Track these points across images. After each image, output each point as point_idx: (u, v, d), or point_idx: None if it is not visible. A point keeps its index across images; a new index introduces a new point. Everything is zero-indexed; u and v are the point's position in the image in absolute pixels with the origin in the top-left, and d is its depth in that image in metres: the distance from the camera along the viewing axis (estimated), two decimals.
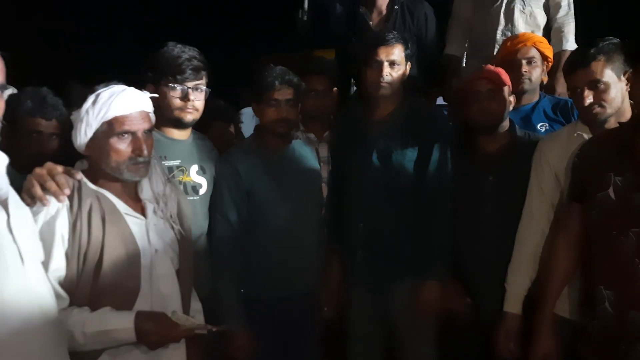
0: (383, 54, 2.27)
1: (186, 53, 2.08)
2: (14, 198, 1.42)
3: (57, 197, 1.56)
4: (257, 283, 2.24)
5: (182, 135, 2.18)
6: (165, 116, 2.10)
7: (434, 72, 3.04)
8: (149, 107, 1.73)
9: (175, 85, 2.05)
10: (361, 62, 2.33)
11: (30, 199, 1.54)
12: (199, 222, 2.15)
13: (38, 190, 1.55)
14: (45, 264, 1.50)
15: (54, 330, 1.40)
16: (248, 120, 2.87)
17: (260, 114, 2.28)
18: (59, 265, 1.55)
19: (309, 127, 2.65)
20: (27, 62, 1.42)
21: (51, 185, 1.56)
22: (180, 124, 2.13)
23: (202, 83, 2.12)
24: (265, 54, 3.14)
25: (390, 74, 2.27)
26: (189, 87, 2.07)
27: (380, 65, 2.27)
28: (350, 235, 2.38)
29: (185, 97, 2.07)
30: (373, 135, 2.33)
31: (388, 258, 2.31)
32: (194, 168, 2.18)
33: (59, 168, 1.62)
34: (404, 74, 2.33)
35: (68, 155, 1.75)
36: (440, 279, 2.25)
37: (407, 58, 2.33)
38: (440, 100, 3.16)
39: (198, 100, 2.11)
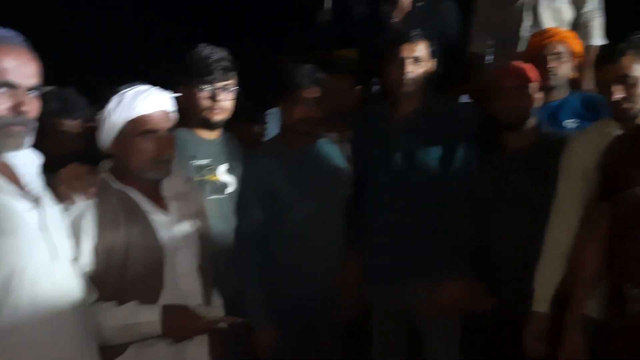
0: (406, 51, 2.25)
1: (215, 54, 2.11)
2: (47, 196, 1.47)
3: (83, 196, 1.61)
4: (282, 281, 2.25)
5: (211, 135, 2.21)
6: (194, 116, 2.14)
7: (458, 69, 3.01)
8: (171, 107, 1.77)
9: (204, 86, 2.08)
10: (384, 60, 2.31)
11: (57, 198, 1.59)
12: (227, 221, 2.19)
13: (65, 189, 1.61)
14: (74, 261, 1.55)
15: (85, 325, 1.46)
16: (273, 121, 2.89)
17: (287, 113, 2.29)
18: (86, 261, 1.59)
19: (330, 127, 2.65)
20: (53, 62, 1.45)
21: (77, 184, 1.62)
22: (209, 124, 2.17)
23: (230, 83, 2.15)
24: (288, 53, 3.14)
25: (413, 71, 2.25)
26: (218, 88, 2.10)
27: (402, 62, 2.24)
28: (371, 234, 2.37)
29: (213, 98, 2.11)
30: (396, 134, 2.31)
31: (410, 257, 2.28)
32: (223, 167, 2.21)
33: (84, 167, 1.68)
34: (428, 71, 2.30)
35: (94, 155, 1.79)
36: (463, 278, 2.23)
37: (432, 55, 2.31)
38: (465, 98, 3.12)
39: (226, 100, 2.14)
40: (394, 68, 2.27)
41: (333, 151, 2.45)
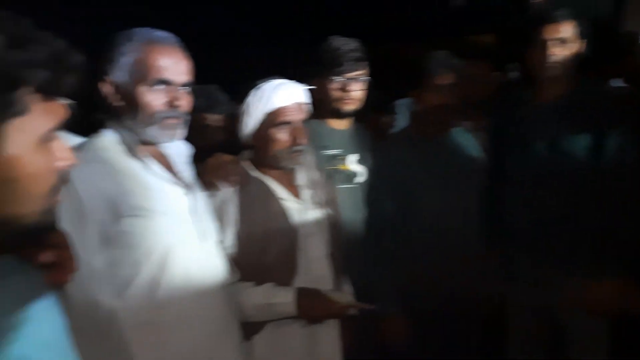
0: (550, 32, 2.08)
1: (346, 45, 2.15)
2: (195, 184, 1.63)
3: (226, 183, 1.74)
4: (413, 272, 2.22)
5: (342, 125, 2.25)
6: (326, 107, 2.19)
7: (610, 50, 2.75)
8: (305, 99, 1.83)
9: (335, 78, 2.12)
10: (525, 43, 2.16)
11: (205, 185, 1.73)
12: (356, 210, 2.22)
13: (211, 177, 1.75)
14: (219, 243, 1.68)
15: (228, 302, 1.59)
16: (403, 111, 2.86)
17: (420, 101, 2.25)
18: (230, 244, 1.72)
19: (467, 115, 2.56)
20: (199, 61, 1.56)
21: (221, 173, 1.76)
22: (340, 115, 2.21)
23: (361, 74, 2.17)
24: (422, 40, 3.08)
25: (558, 54, 2.08)
26: (349, 79, 2.12)
27: (546, 44, 2.08)
28: (512, 229, 2.25)
29: (344, 89, 2.14)
30: (540, 121, 2.16)
31: (556, 253, 2.14)
32: (353, 157, 2.24)
33: (228, 157, 1.81)
34: (575, 53, 2.11)
35: (235, 146, 1.90)
36: (619, 279, 2.04)
37: (580, 35, 2.11)
38: (618, 82, 2.85)
39: (357, 90, 2.17)
40: (536, 51, 2.11)
41: (467, 140, 2.36)
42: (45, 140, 0.79)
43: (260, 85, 1.79)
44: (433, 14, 3.51)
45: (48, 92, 0.78)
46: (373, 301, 2.05)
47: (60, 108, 0.81)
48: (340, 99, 2.16)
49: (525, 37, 2.15)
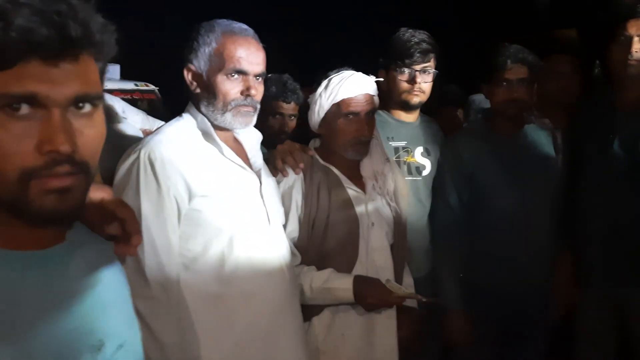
0: (633, 27, 1.98)
1: (415, 37, 2.15)
2: (265, 169, 1.70)
3: (294, 169, 1.81)
4: (480, 269, 2.20)
5: (409, 117, 2.26)
6: (393, 99, 2.21)
7: None
8: (373, 90, 1.86)
9: (403, 69, 2.13)
10: (607, 38, 2.07)
11: (274, 170, 1.81)
12: (421, 202, 2.22)
13: (280, 163, 1.83)
14: (284, 227, 1.75)
15: (291, 282, 1.65)
16: (476, 106, 2.82)
17: (490, 95, 2.21)
18: (293, 228, 1.79)
19: (547, 112, 2.48)
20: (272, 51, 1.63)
21: (290, 160, 1.83)
22: (407, 106, 2.22)
23: (429, 66, 2.17)
24: (504, 35, 3.01)
25: None
26: (417, 70, 2.13)
27: (629, 40, 1.99)
28: (587, 231, 2.18)
29: (412, 80, 2.15)
30: (619, 121, 2.07)
31: (629, 258, 2.06)
32: (419, 150, 2.24)
33: (297, 145, 1.88)
34: None
35: (305, 134, 1.97)
36: None
37: None
38: None
39: (425, 82, 2.17)
40: (619, 47, 2.02)
41: (542, 138, 2.29)
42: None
43: (331, 76, 1.84)
44: (517, 5, 3.40)
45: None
46: (436, 294, 2.06)
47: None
48: (408, 91, 2.16)
49: (608, 33, 2.06)
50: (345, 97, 1.80)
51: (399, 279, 1.91)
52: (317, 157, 1.88)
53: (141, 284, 1.39)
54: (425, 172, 2.24)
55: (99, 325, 0.82)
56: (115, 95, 2.95)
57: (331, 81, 1.82)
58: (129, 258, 1.38)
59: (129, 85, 5.53)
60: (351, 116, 1.80)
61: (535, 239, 2.18)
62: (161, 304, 1.40)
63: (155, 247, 1.42)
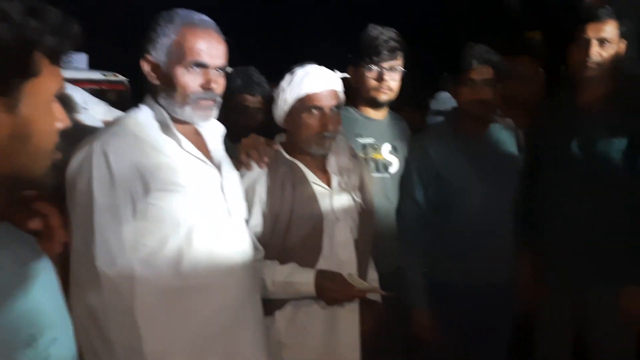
0: (592, 31, 2.04)
1: (384, 35, 2.16)
2: (226, 163, 1.68)
3: (258, 164, 1.81)
4: (444, 266, 2.23)
5: (377, 114, 2.27)
6: (361, 96, 2.23)
7: None
8: (338, 86, 1.86)
9: (371, 66, 2.14)
10: (568, 41, 2.12)
11: (238, 164, 1.81)
12: (388, 199, 2.24)
13: (244, 157, 1.82)
14: (247, 221, 1.74)
15: (251, 277, 1.65)
16: (442, 104, 2.84)
17: (456, 95, 2.24)
18: (257, 222, 1.79)
19: (509, 112, 2.52)
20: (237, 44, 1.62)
21: (254, 153, 1.82)
22: (375, 104, 2.23)
23: (397, 64, 2.18)
24: (470, 36, 3.04)
25: (599, 54, 2.04)
26: (385, 68, 2.14)
27: (587, 43, 2.04)
28: (546, 230, 2.23)
29: (380, 78, 2.16)
30: (578, 122, 2.13)
31: (588, 257, 2.11)
32: (387, 147, 2.25)
33: (262, 139, 1.87)
34: (616, 53, 2.07)
35: (272, 128, 1.96)
36: None
37: (623, 35, 2.06)
38: None
39: (393, 80, 2.18)
40: (578, 50, 2.08)
41: (506, 137, 2.33)
42: (52, 101, 0.89)
43: (295, 70, 1.83)
44: (483, 9, 3.43)
45: (54, 57, 0.87)
46: (400, 290, 2.08)
47: (60, 73, 0.90)
48: (376, 88, 2.18)
49: (568, 35, 2.11)
50: (309, 92, 1.80)
51: (363, 273, 1.92)
52: (283, 151, 1.88)
53: (92, 280, 1.36)
54: (392, 170, 2.26)
55: (30, 321, 0.82)
56: (83, 85, 2.89)
57: (296, 75, 1.82)
58: (79, 254, 1.37)
59: (97, 76, 5.43)
60: (315, 111, 1.81)
61: (499, 236, 2.22)
62: (113, 301, 1.37)
63: (107, 243, 1.39)
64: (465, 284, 2.21)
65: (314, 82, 1.80)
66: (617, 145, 2.05)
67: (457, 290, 2.22)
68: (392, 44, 2.15)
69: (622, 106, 2.05)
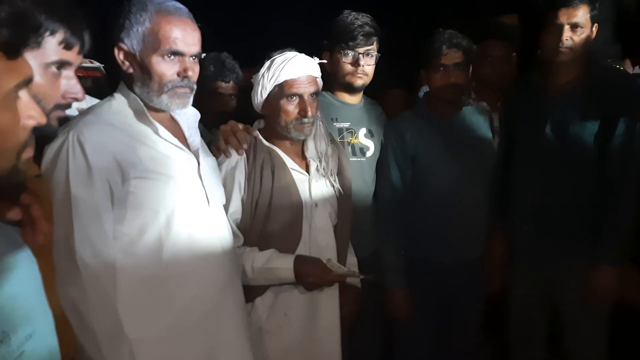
0: (564, 16, 2.06)
1: (359, 20, 2.16)
2: (203, 149, 1.68)
3: (237, 150, 1.81)
4: (420, 246, 2.27)
5: (353, 99, 2.28)
6: (337, 81, 2.23)
7: (631, 37, 2.68)
8: (316, 72, 1.87)
9: (347, 51, 2.15)
10: (541, 26, 2.14)
11: (216, 151, 1.80)
12: (366, 183, 2.26)
13: (222, 144, 1.82)
14: (226, 208, 1.75)
15: (231, 263, 1.65)
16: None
17: (428, 80, 2.26)
18: (236, 209, 1.79)
19: (483, 95, 2.56)
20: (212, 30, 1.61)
21: (233, 140, 1.82)
22: (350, 89, 2.24)
23: (372, 49, 2.19)
24: (445, 19, 3.06)
25: (571, 38, 2.07)
26: (360, 53, 2.15)
27: (559, 28, 2.07)
28: (517, 210, 2.28)
29: (355, 63, 2.16)
30: (549, 105, 2.16)
31: (557, 237, 2.17)
32: (363, 131, 2.27)
33: (240, 126, 1.86)
34: (588, 38, 2.10)
35: (247, 114, 1.96)
36: (617, 264, 2.06)
37: (593, 20, 2.09)
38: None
39: (368, 65, 2.19)
40: (550, 34, 2.10)
41: (480, 120, 2.37)
42: (11, 97, 0.82)
43: (273, 56, 1.83)
44: None
45: (10, 50, 0.81)
46: (378, 272, 2.11)
47: (24, 66, 0.84)
48: (351, 73, 2.18)
49: (540, 19, 2.13)
50: (287, 78, 1.79)
51: (342, 258, 1.94)
52: (261, 137, 1.88)
53: (73, 272, 1.35)
54: (369, 154, 2.27)
55: (2, 318, 0.80)
56: None
57: (274, 62, 1.81)
58: (59, 246, 1.35)
59: None
60: (294, 97, 1.81)
61: (473, 216, 2.27)
62: (94, 291, 1.37)
63: (87, 233, 1.37)
64: (440, 262, 2.26)
65: (293, 68, 1.80)
66: (587, 128, 2.09)
67: (432, 268, 2.26)
68: (367, 29, 2.15)
69: (593, 89, 2.09)
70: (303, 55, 1.85)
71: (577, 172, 2.12)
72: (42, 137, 1.11)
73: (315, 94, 1.85)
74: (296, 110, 1.81)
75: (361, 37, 2.14)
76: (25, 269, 0.88)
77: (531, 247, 2.25)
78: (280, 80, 1.80)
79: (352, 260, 2.05)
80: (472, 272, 2.31)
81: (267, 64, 1.83)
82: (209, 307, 1.55)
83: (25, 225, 0.86)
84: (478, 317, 2.40)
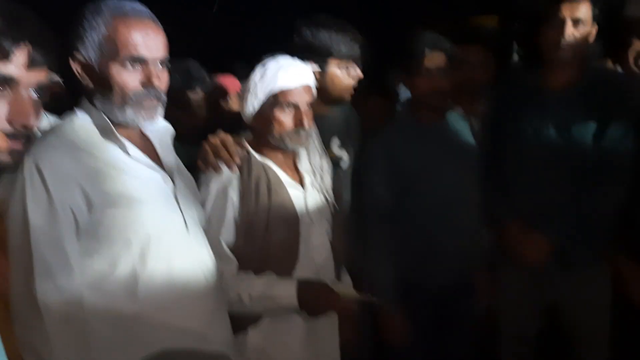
0: (567, 11, 1.96)
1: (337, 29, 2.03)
2: (178, 167, 1.51)
3: (228, 165, 1.63)
4: (411, 264, 2.16)
5: (326, 110, 2.14)
6: None
7: (615, 36, 2.65)
8: (312, 81, 1.73)
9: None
10: (537, 21, 2.04)
11: (204, 166, 1.63)
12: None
13: (212, 157, 1.64)
14: (217, 229, 1.59)
15: (215, 294, 1.48)
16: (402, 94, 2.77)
17: (411, 86, 2.15)
18: (229, 231, 1.62)
19: (458, 100, 2.47)
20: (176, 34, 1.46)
21: (224, 154, 1.64)
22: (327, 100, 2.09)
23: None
24: (420, 21, 2.98)
25: (573, 34, 1.97)
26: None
27: (562, 23, 1.97)
28: (512, 217, 2.16)
29: None
30: (549, 106, 2.07)
31: (557, 243, 2.07)
32: (335, 141, 2.13)
33: (231, 138, 1.69)
34: (589, 35, 2.01)
35: (220, 123, 1.81)
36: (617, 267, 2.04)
37: (594, 19, 2.01)
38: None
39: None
40: (551, 30, 1.99)
41: (463, 127, 2.28)
42: None
43: (266, 62, 1.69)
44: None
45: None
46: (370, 292, 1.99)
47: None
48: None
49: (539, 16, 2.03)
50: (284, 87, 1.64)
51: (339, 277, 1.81)
52: (254, 152, 1.71)
53: (33, 314, 1.18)
54: (344, 165, 2.14)
55: None
56: None
57: (268, 69, 1.66)
58: (18, 285, 1.18)
59: None
60: (290, 107, 1.66)
61: (463, 226, 2.17)
62: (59, 336, 1.20)
63: (49, 269, 1.21)
64: (431, 281, 2.16)
65: (289, 77, 1.65)
66: (587, 128, 2.02)
67: (422, 284, 2.16)
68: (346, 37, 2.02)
69: (593, 88, 2.02)
70: (298, 62, 1.71)
71: (579, 175, 2.03)
72: None
73: (311, 103, 1.71)
74: (292, 121, 1.66)
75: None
76: None
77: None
78: (276, 90, 1.65)
79: (347, 279, 1.90)
80: (465, 283, 2.22)
81: (259, 71, 1.67)
82: (192, 344, 1.38)
83: None
84: (470, 337, 2.31)
